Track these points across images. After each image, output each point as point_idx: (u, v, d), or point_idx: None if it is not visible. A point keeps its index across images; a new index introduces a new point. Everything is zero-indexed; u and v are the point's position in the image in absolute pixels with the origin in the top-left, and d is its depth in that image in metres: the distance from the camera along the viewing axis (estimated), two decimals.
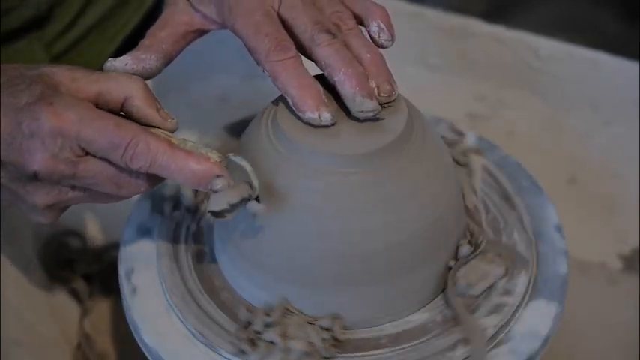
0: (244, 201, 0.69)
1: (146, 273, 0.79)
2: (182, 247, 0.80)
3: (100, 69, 1.02)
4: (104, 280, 1.03)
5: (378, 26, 0.73)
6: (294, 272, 0.72)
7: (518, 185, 0.84)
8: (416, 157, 0.71)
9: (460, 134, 0.88)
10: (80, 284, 1.01)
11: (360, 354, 0.72)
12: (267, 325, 0.72)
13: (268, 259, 0.72)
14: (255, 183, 0.69)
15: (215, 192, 0.68)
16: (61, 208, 0.71)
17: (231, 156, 0.70)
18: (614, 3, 1.69)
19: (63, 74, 0.69)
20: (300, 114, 0.70)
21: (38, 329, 0.90)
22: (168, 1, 0.78)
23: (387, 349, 0.72)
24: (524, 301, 0.75)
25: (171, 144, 0.68)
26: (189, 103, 1.06)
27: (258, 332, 0.72)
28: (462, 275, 0.75)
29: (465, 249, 0.76)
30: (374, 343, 0.73)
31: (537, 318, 0.75)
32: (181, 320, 0.75)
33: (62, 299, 1.00)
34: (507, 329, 0.74)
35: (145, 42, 0.76)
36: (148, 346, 0.75)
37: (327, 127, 0.70)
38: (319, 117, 0.69)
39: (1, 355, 0.81)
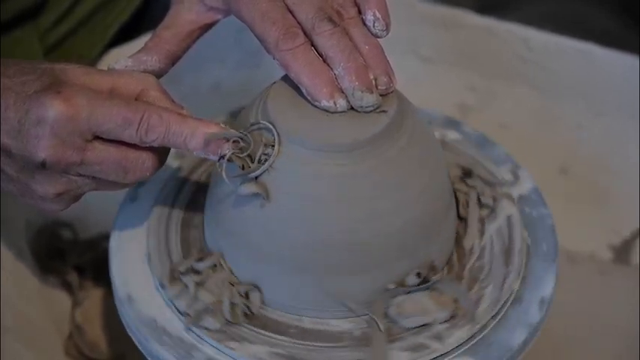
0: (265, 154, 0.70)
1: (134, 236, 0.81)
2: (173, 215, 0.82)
3: (94, 61, 1.02)
4: (95, 271, 1.03)
5: (374, 15, 0.72)
6: (276, 258, 0.72)
7: (535, 247, 0.79)
8: (405, 147, 0.72)
9: (516, 176, 0.84)
10: (71, 275, 1.01)
11: (262, 332, 0.72)
12: (191, 270, 0.74)
13: (254, 243, 0.73)
14: (276, 147, 0.70)
15: (223, 157, 0.69)
16: (72, 196, 0.72)
17: (259, 121, 0.71)
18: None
19: (75, 70, 0.70)
20: (315, 103, 0.70)
21: (30, 319, 0.91)
22: None
23: (288, 339, 0.72)
24: (452, 356, 0.71)
25: (180, 113, 0.70)
26: (182, 93, 1.06)
27: (182, 273, 0.75)
28: (397, 303, 0.72)
29: (412, 279, 0.73)
30: (282, 329, 0.73)
31: None
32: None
33: (54, 290, 1.00)
34: None
35: (148, 43, 0.77)
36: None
37: (342, 112, 0.70)
38: (335, 104, 0.70)
39: None
